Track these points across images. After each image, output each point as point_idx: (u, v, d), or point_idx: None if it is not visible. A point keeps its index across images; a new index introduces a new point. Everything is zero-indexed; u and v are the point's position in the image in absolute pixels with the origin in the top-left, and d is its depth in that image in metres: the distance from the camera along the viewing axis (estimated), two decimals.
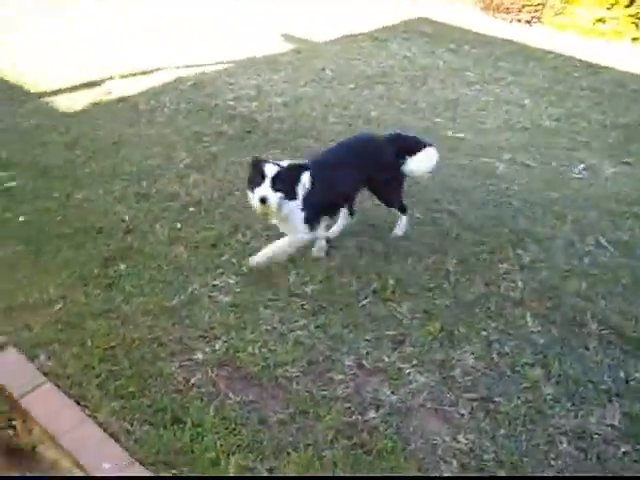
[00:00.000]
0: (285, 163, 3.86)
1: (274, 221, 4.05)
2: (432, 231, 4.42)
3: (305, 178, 3.85)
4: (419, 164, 4.18)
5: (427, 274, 4.01)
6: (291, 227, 3.98)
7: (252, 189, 3.78)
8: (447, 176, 5.03)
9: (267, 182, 3.70)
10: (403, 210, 4.38)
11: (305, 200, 3.86)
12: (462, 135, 5.68)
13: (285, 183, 3.74)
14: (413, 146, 4.20)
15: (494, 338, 3.52)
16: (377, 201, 4.39)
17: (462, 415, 3.05)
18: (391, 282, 3.92)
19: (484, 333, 3.55)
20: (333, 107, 6.29)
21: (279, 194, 3.72)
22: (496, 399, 3.12)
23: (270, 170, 3.72)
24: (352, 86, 6.78)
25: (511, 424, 3.02)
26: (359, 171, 4.09)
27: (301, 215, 3.90)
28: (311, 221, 3.96)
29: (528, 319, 3.69)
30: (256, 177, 3.76)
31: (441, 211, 4.62)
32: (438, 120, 5.95)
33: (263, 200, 3.70)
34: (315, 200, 3.89)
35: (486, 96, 6.74)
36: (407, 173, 4.20)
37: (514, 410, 3.08)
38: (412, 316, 3.67)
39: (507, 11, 9.89)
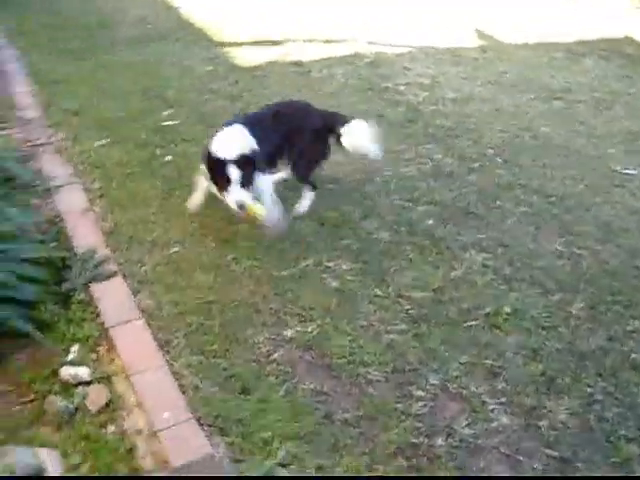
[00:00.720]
0: (233, 152, 3.75)
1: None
2: (567, 266, 4.10)
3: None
4: (351, 133, 4.27)
5: (547, 311, 3.72)
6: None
7: (220, 189, 3.82)
8: (601, 212, 4.65)
9: (236, 186, 3.74)
10: (314, 187, 4.37)
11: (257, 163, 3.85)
12: (633, 172, 5.23)
13: (248, 177, 3.76)
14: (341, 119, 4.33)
15: (598, 399, 3.21)
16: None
17: (534, 469, 2.80)
18: (506, 309, 3.68)
19: (589, 390, 3.24)
20: (503, 114, 6.00)
21: (247, 191, 3.77)
22: (578, 464, 2.84)
23: (234, 173, 3.71)
24: (531, 96, 6.43)
25: (589, 476, 2.76)
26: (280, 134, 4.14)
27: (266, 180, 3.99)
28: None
29: None
30: (221, 178, 3.75)
31: (583, 248, 4.28)
32: (611, 151, 5.51)
33: (241, 206, 3.74)
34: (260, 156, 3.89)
35: None
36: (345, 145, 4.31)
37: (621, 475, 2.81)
38: (517, 351, 3.42)
39: None
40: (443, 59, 7.16)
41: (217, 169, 3.78)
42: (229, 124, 4.02)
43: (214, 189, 3.92)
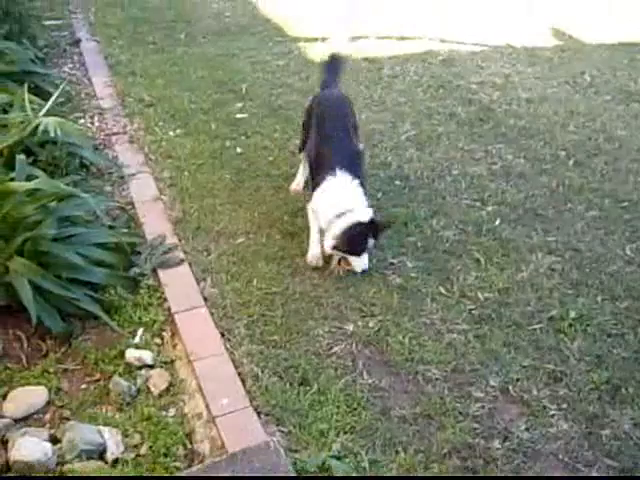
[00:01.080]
0: (365, 214, 3.70)
1: None
2: (637, 273, 3.96)
3: None
4: None
5: (614, 318, 3.62)
6: None
7: (343, 252, 3.73)
8: None
9: (366, 256, 3.72)
10: None
11: None
12: None
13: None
14: None
15: None
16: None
17: (591, 477, 2.75)
18: (572, 314, 3.60)
19: None
20: (578, 116, 5.85)
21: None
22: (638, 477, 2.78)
23: (370, 241, 3.70)
24: (607, 98, 6.25)
25: (593, 475, 2.68)
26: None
27: None
28: None
29: None
30: (359, 242, 3.68)
31: None
32: None
33: (364, 271, 3.73)
34: None
35: None
36: None
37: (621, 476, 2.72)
38: (581, 357, 3.35)
39: None
40: (518, 58, 7.03)
41: (358, 235, 3.67)
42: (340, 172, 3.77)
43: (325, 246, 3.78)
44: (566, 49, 7.40)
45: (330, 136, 3.97)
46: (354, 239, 3.67)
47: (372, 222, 3.70)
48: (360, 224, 3.65)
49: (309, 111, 4.31)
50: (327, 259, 3.85)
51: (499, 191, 4.66)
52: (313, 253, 3.85)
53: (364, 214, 3.68)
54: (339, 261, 3.79)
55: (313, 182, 3.94)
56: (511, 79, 6.49)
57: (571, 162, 5.09)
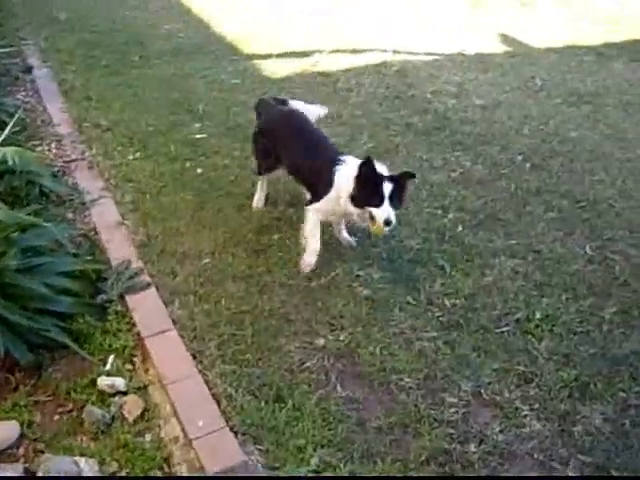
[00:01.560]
0: (385, 170, 3.68)
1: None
2: (599, 271, 4.07)
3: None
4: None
5: (579, 316, 3.70)
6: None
7: (363, 205, 3.59)
8: (633, 216, 4.61)
9: (387, 202, 3.53)
10: None
11: None
12: None
13: (397, 198, 3.59)
14: None
15: (632, 403, 3.17)
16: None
17: (568, 477, 2.80)
18: (538, 315, 3.67)
19: (622, 395, 3.21)
20: (532, 119, 5.97)
21: (395, 211, 3.57)
22: (613, 472, 2.82)
23: (387, 188, 3.52)
24: (558, 101, 6.39)
25: (591, 475, 2.74)
26: None
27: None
28: None
29: None
30: (371, 193, 3.54)
31: (615, 252, 4.24)
32: None
33: (388, 223, 3.53)
34: None
35: None
36: None
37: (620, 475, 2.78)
38: (549, 357, 3.41)
39: None
40: (470, 66, 7.15)
41: (372, 180, 3.55)
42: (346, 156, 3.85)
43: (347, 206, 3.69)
44: (516, 54, 7.56)
45: (315, 143, 4.04)
46: (365, 181, 3.56)
47: (378, 171, 3.59)
48: (366, 164, 3.56)
49: (261, 135, 4.34)
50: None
51: (459, 198, 4.73)
52: (309, 261, 3.87)
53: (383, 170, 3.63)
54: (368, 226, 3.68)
55: (320, 187, 3.85)
56: (464, 87, 6.60)
57: (528, 165, 5.19)
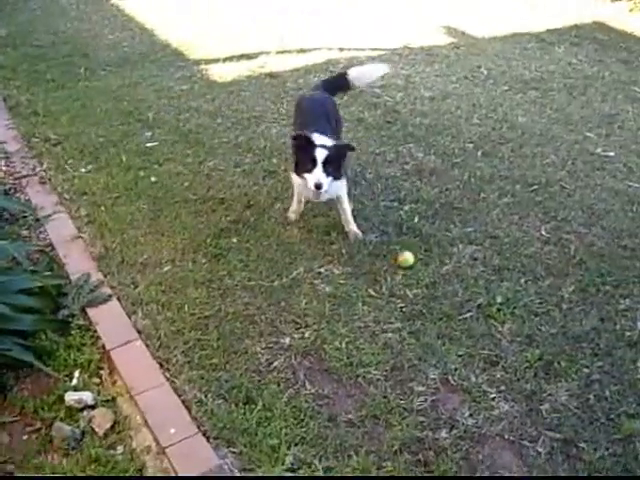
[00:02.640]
0: (328, 141, 3.90)
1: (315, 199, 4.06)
2: (555, 252, 4.16)
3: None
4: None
5: (539, 297, 3.78)
6: (333, 194, 4.08)
7: (301, 173, 3.89)
8: (584, 196, 4.72)
9: (319, 167, 3.78)
10: None
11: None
12: (612, 154, 5.29)
13: (335, 166, 3.85)
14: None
15: (595, 378, 3.26)
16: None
17: (539, 454, 2.85)
18: (498, 299, 3.74)
19: (586, 371, 3.29)
20: (480, 108, 6.06)
21: (330, 178, 3.82)
22: (581, 445, 2.89)
23: (320, 154, 3.78)
24: (505, 88, 6.49)
25: (590, 475, 2.80)
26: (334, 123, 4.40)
27: (345, 185, 4.12)
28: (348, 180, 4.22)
29: (639, 364, 3.39)
30: (305, 160, 3.83)
31: (570, 232, 4.34)
32: (589, 135, 5.58)
33: (318, 186, 3.77)
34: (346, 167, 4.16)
35: None
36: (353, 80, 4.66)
37: (598, 461, 2.82)
38: (512, 339, 3.48)
39: None
40: (416, 59, 7.21)
41: (305, 148, 3.85)
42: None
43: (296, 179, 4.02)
44: (461, 45, 7.65)
45: (308, 121, 4.23)
46: (299, 150, 3.90)
47: (316, 143, 3.84)
48: (299, 136, 3.91)
49: (295, 112, 4.63)
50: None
51: (414, 189, 4.78)
52: (293, 209, 4.37)
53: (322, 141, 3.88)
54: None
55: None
56: (412, 79, 6.66)
57: (479, 153, 5.27)
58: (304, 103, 4.56)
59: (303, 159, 3.86)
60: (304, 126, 4.16)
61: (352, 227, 4.25)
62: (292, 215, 4.40)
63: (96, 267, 3.92)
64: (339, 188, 4.07)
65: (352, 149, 4.03)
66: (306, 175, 3.83)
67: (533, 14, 8.76)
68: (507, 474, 2.78)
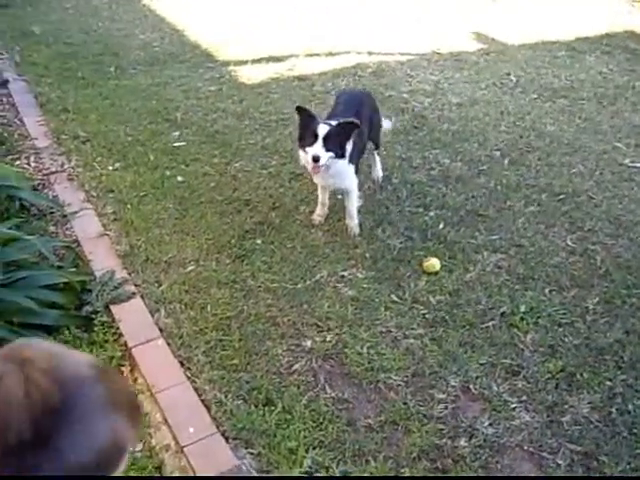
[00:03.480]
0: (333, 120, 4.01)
1: (319, 179, 4.20)
2: (580, 263, 4.12)
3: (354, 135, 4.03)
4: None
5: (563, 308, 3.74)
6: (339, 182, 4.21)
7: (303, 147, 3.98)
8: (611, 207, 4.67)
9: (319, 142, 3.84)
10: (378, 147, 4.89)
11: (350, 155, 4.06)
12: None
13: (336, 142, 3.90)
14: None
15: (618, 391, 3.22)
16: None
17: (559, 466, 2.82)
18: (522, 308, 3.71)
19: (609, 384, 3.26)
20: (508, 115, 6.02)
21: (330, 153, 3.88)
22: (602, 458, 2.86)
23: (322, 130, 3.84)
24: (534, 96, 6.45)
25: (591, 475, 2.76)
26: (366, 120, 4.40)
27: (351, 169, 4.17)
28: (357, 172, 4.31)
29: None
30: (307, 135, 3.92)
31: (596, 243, 4.30)
32: (618, 145, 5.52)
33: (316, 159, 3.83)
34: (356, 153, 4.19)
35: None
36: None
37: (619, 475, 2.81)
38: (535, 349, 3.45)
39: None
40: (445, 64, 7.19)
41: (308, 123, 3.95)
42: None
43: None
44: (490, 52, 7.61)
45: (337, 112, 4.33)
46: (302, 124, 4.02)
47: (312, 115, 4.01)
48: (302, 110, 4.04)
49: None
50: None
51: (440, 195, 4.76)
52: (318, 212, 4.44)
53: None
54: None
55: None
56: (440, 85, 6.65)
57: (506, 161, 5.24)
58: (342, 96, 4.66)
59: (305, 133, 3.95)
60: (331, 116, 4.24)
61: (353, 222, 4.32)
62: (317, 218, 4.43)
63: (121, 265, 3.96)
64: (346, 177, 4.17)
65: (356, 126, 3.98)
66: (307, 148, 3.91)
67: (564, 22, 8.68)
68: None
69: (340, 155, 3.95)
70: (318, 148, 3.84)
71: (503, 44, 7.88)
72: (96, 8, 8.97)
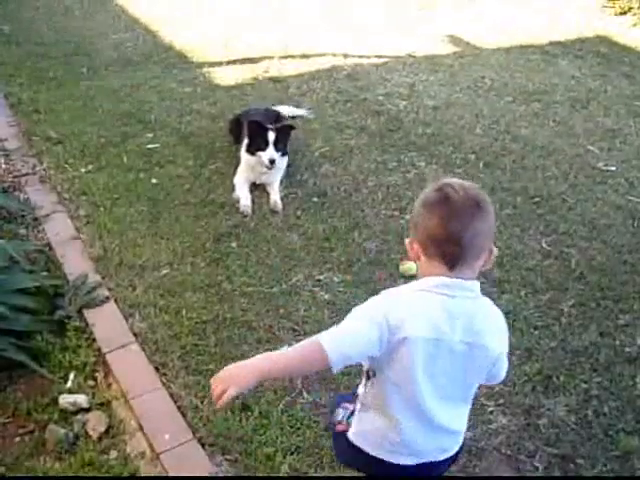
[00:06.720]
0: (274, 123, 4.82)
1: (265, 176, 4.77)
2: (555, 265, 4.14)
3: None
4: None
5: (539, 311, 3.77)
6: (278, 175, 4.82)
7: (254, 152, 4.66)
8: (585, 210, 4.70)
9: (271, 146, 4.60)
10: None
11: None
12: (613, 168, 5.28)
13: (282, 143, 4.66)
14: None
15: (594, 394, 3.24)
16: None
17: (536, 468, 2.84)
18: None
19: (584, 386, 3.28)
20: (483, 118, 6.05)
21: (279, 153, 4.64)
22: (578, 461, 2.88)
23: (271, 136, 4.59)
24: (509, 99, 6.48)
25: (590, 475, 2.78)
26: None
27: (285, 163, 4.87)
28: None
29: (638, 380, 3.38)
30: (258, 141, 4.62)
31: (571, 246, 4.33)
32: (591, 148, 5.57)
33: (272, 162, 4.59)
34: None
35: None
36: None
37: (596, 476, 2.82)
38: (511, 352, 3.36)
39: None
40: (420, 67, 7.20)
41: (258, 131, 4.64)
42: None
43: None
44: (465, 55, 7.63)
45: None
46: (253, 133, 4.66)
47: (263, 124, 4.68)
48: (253, 122, 4.69)
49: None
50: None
51: (415, 198, 4.69)
52: (244, 201, 4.62)
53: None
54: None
55: None
56: (415, 88, 6.65)
57: (481, 164, 5.26)
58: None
59: (256, 140, 4.62)
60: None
61: (276, 197, 4.67)
62: (248, 209, 4.56)
63: (94, 268, 3.90)
64: (282, 170, 4.84)
65: (293, 128, 4.85)
66: (260, 153, 4.62)
67: (537, 26, 8.74)
68: None
69: (285, 153, 4.74)
70: (272, 152, 4.60)
71: (477, 47, 7.91)
72: (67, 7, 8.82)
